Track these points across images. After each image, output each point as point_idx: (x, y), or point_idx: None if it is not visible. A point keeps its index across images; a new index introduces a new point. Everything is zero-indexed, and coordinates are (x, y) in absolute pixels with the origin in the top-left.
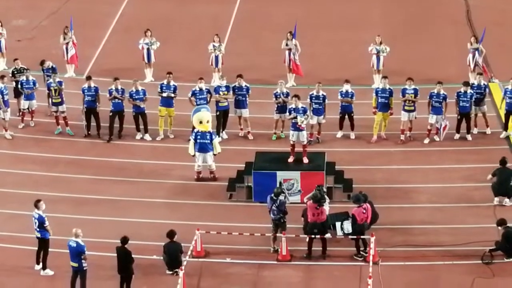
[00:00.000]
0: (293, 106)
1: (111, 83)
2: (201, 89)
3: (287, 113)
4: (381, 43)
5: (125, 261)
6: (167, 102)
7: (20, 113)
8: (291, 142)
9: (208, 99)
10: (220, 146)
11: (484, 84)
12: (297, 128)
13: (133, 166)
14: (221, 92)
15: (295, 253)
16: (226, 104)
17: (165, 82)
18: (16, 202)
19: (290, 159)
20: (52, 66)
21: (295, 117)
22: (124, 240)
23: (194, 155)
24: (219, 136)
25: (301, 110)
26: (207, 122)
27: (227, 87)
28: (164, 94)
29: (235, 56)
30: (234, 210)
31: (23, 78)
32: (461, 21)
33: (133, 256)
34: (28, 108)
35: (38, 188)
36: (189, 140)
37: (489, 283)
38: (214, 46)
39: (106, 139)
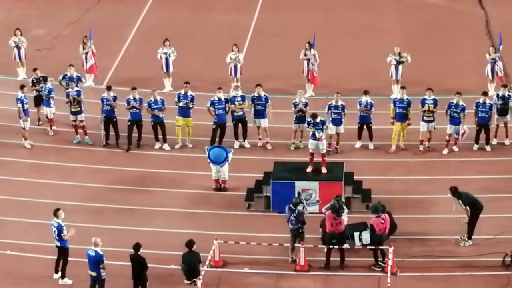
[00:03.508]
0: (311, 120)
1: (130, 92)
2: (219, 99)
3: (306, 124)
4: (399, 53)
5: (139, 268)
6: (184, 112)
7: (39, 122)
8: (310, 151)
9: (227, 108)
10: (239, 156)
11: (508, 95)
12: (316, 137)
13: (151, 176)
14: (236, 103)
15: (313, 264)
16: (241, 113)
17: (182, 92)
18: (35, 211)
19: (309, 169)
20: (77, 76)
21: (314, 132)
22: (137, 247)
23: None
24: (239, 141)
25: (320, 124)
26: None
27: (242, 97)
28: (181, 104)
29: (254, 66)
30: (253, 220)
31: (43, 85)
32: (480, 32)
33: (151, 265)
34: (46, 116)
35: (57, 197)
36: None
37: None
38: (231, 57)
39: (125, 148)
